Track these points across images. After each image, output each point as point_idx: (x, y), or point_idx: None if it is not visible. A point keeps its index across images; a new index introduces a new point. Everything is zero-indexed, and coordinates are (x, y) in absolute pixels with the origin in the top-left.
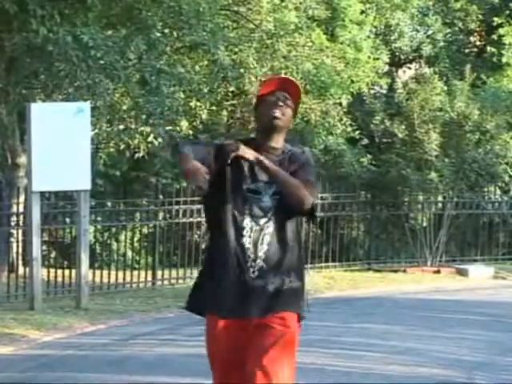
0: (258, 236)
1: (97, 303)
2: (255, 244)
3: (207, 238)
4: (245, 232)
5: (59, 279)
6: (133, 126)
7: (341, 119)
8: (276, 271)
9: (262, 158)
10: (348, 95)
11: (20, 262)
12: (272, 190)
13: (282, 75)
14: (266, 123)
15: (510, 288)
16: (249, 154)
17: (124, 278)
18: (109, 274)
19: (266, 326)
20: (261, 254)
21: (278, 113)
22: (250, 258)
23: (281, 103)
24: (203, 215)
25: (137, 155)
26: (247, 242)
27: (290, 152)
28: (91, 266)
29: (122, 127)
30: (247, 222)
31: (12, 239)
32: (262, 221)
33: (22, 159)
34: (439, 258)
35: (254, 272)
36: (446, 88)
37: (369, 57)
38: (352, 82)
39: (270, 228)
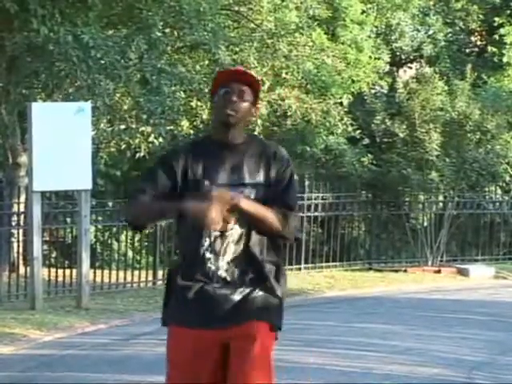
0: (221, 245)
1: (97, 303)
2: (216, 253)
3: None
4: (203, 241)
5: (60, 279)
6: (134, 126)
7: (341, 119)
8: (242, 282)
9: (236, 200)
10: (349, 95)
11: (21, 261)
12: (236, 192)
13: (239, 67)
14: (220, 121)
15: (510, 288)
16: (219, 214)
17: (125, 278)
18: (109, 273)
19: (235, 343)
20: (222, 264)
21: (229, 110)
22: (210, 269)
23: (234, 98)
24: None
25: (138, 155)
26: (208, 251)
27: (254, 140)
28: (92, 265)
29: (122, 127)
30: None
31: (13, 239)
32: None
33: (23, 159)
34: (440, 258)
35: (217, 282)
36: (446, 88)
37: (370, 57)
38: (353, 81)
39: (235, 235)
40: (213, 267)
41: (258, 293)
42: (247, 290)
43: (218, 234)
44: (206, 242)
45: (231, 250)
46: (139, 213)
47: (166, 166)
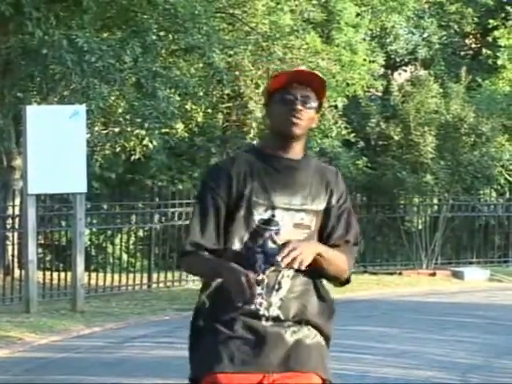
0: (275, 279)
1: (92, 306)
2: (270, 289)
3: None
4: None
5: (55, 282)
6: (128, 129)
7: (336, 122)
8: (296, 322)
9: (318, 249)
10: (343, 98)
11: (16, 264)
12: (293, 218)
13: (302, 67)
14: (282, 131)
15: (505, 291)
16: (307, 255)
17: (120, 281)
18: (104, 276)
19: None
20: (276, 300)
21: (296, 119)
22: (262, 304)
23: (299, 106)
24: None
25: (132, 158)
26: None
27: (312, 159)
28: (87, 268)
29: (117, 130)
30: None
31: (8, 242)
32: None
33: (18, 162)
34: (435, 261)
35: (267, 320)
36: (441, 90)
37: (364, 59)
38: (347, 84)
39: (291, 270)
40: (264, 303)
41: (315, 338)
42: (302, 333)
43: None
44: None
45: (287, 286)
46: (193, 273)
47: (215, 193)
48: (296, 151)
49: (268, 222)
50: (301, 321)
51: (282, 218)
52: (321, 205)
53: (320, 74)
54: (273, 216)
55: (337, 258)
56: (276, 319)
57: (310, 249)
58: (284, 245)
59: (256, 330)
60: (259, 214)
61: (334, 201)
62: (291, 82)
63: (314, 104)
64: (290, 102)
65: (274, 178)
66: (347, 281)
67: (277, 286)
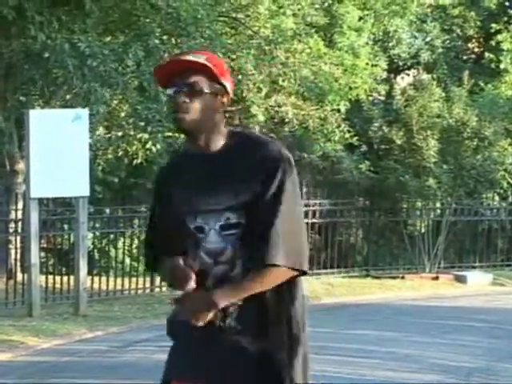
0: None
1: (95, 310)
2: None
3: None
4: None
5: (57, 286)
6: (131, 133)
7: (339, 126)
8: (251, 334)
9: (216, 303)
10: (346, 102)
11: (18, 268)
12: (219, 220)
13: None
14: (178, 130)
15: (508, 294)
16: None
17: (122, 285)
18: (107, 280)
19: None
20: (232, 309)
21: (179, 114)
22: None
23: (183, 99)
24: None
25: (135, 162)
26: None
27: (237, 140)
28: (89, 272)
29: (120, 134)
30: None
31: (10, 246)
32: (218, 270)
33: (21, 165)
34: (437, 265)
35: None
36: (444, 94)
37: (367, 63)
38: (350, 88)
39: (238, 278)
40: (220, 313)
41: (272, 352)
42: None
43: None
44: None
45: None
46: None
47: (157, 200)
48: (210, 144)
49: (200, 230)
50: (256, 334)
51: (207, 223)
52: (245, 195)
53: (199, 54)
54: (197, 222)
55: (246, 293)
56: (234, 330)
57: (205, 304)
58: (179, 300)
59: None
60: (191, 223)
61: (258, 186)
62: (171, 75)
63: (207, 89)
64: (171, 98)
65: (192, 179)
66: (302, 272)
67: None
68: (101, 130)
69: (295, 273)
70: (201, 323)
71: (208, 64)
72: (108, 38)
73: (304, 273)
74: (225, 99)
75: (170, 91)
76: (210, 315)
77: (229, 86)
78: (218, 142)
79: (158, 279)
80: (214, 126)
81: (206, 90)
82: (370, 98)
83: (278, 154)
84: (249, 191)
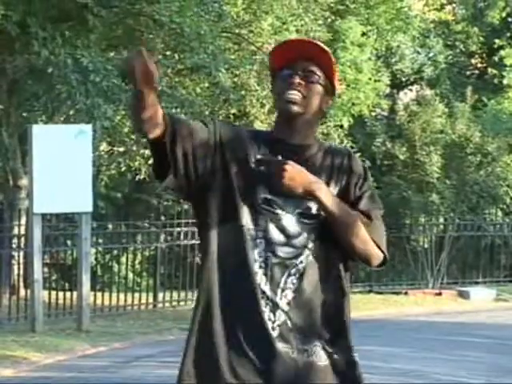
0: (280, 275)
1: (98, 325)
2: (274, 287)
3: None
4: (257, 266)
5: (60, 301)
6: (134, 149)
7: (342, 141)
8: (307, 333)
9: (314, 187)
10: (349, 117)
11: (21, 283)
12: (298, 209)
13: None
14: (281, 110)
15: (511, 310)
16: (298, 183)
17: (125, 300)
18: (110, 296)
19: None
20: (283, 303)
21: (293, 94)
22: (268, 305)
23: (298, 80)
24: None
25: (138, 177)
26: (263, 281)
27: (330, 148)
28: (92, 288)
29: (122, 150)
30: (260, 251)
31: (13, 261)
32: (285, 251)
33: (24, 181)
34: (441, 281)
35: (273, 328)
36: (447, 110)
37: (369, 78)
38: (353, 104)
39: (300, 266)
40: (270, 303)
41: (334, 357)
42: (314, 351)
43: (275, 259)
44: (260, 268)
45: (295, 285)
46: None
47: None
48: (303, 136)
49: (269, 204)
50: (313, 334)
51: (284, 206)
52: (334, 191)
53: (323, 45)
54: (271, 198)
55: (353, 224)
56: (283, 327)
57: (302, 178)
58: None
59: (262, 339)
60: (263, 193)
61: (349, 184)
62: (293, 57)
63: (322, 81)
64: (288, 77)
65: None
66: (384, 260)
67: (283, 284)
68: (104, 146)
69: (380, 255)
70: (287, 183)
71: (332, 58)
72: (111, 54)
73: (383, 263)
74: (330, 101)
75: (287, 71)
76: (300, 191)
77: (337, 89)
78: (311, 138)
79: (160, 295)
80: (315, 121)
81: (322, 82)
82: (373, 114)
83: (362, 164)
84: (336, 188)
